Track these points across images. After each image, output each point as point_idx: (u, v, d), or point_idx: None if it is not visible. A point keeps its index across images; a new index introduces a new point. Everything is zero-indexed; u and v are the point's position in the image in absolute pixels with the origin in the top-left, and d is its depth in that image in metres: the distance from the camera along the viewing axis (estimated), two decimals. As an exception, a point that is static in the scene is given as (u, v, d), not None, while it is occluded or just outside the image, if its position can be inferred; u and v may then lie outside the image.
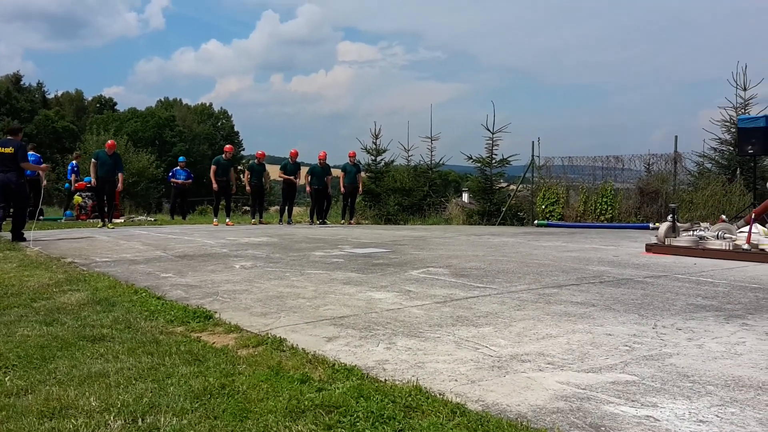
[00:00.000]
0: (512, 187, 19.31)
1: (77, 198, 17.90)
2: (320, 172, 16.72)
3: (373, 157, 20.85)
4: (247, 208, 22.28)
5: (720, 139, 15.89)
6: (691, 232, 8.56)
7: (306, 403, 2.45)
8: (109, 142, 15.15)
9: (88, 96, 74.93)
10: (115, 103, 75.28)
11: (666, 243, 8.35)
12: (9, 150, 9.89)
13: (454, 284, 5.50)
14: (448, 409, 2.38)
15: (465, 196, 23.60)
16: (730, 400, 2.49)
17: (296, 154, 16.96)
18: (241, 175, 16.58)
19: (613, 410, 2.38)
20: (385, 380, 2.76)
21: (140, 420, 2.32)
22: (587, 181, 17.38)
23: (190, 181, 19.49)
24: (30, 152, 14.84)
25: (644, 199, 15.78)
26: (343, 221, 17.53)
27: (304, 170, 17.07)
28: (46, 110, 61.03)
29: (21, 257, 7.68)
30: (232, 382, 2.73)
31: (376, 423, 2.26)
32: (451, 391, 2.61)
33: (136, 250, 8.72)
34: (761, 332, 3.67)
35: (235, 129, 76.18)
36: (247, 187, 16.67)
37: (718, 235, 8.35)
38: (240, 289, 5.30)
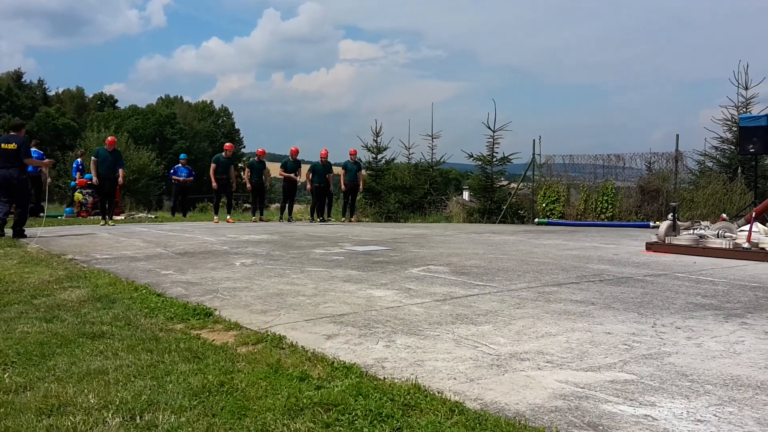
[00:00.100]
0: (513, 185, 19.30)
1: (78, 195, 17.90)
2: (321, 169, 16.72)
3: (374, 155, 20.89)
4: (248, 206, 22.30)
5: (721, 137, 15.89)
6: (691, 231, 8.55)
7: (305, 401, 2.46)
8: (109, 138, 15.14)
9: (89, 93, 75.08)
10: (116, 101, 75.40)
11: (666, 241, 8.35)
12: (12, 146, 9.91)
13: (454, 282, 5.50)
14: (446, 407, 2.38)
15: (465, 194, 23.60)
16: (729, 400, 2.49)
17: (296, 152, 16.96)
18: (242, 173, 16.57)
19: (611, 409, 2.39)
20: (384, 378, 2.76)
21: (138, 417, 2.33)
22: (588, 179, 17.37)
23: (192, 178, 19.50)
24: (33, 149, 14.86)
25: (645, 197, 15.77)
26: (343, 219, 17.54)
27: (304, 168, 17.07)
28: (46, 107, 61.07)
29: (21, 254, 7.69)
30: (231, 379, 2.73)
31: (375, 421, 2.27)
32: (450, 390, 2.61)
33: (136, 247, 8.73)
34: (760, 331, 3.67)
35: (236, 127, 76.34)
36: (248, 185, 16.67)
37: (718, 233, 8.34)
38: (240, 286, 5.31)
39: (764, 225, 8.23)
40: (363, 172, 18.50)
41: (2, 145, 9.89)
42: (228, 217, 16.15)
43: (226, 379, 2.73)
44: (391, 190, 19.77)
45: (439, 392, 2.57)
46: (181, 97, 77.43)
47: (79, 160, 18.93)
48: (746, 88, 15.43)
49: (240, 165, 42.71)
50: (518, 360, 3.07)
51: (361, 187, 17.76)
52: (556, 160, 17.92)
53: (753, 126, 11.26)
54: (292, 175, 16.64)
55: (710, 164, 16.26)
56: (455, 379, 2.78)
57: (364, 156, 20.54)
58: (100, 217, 14.45)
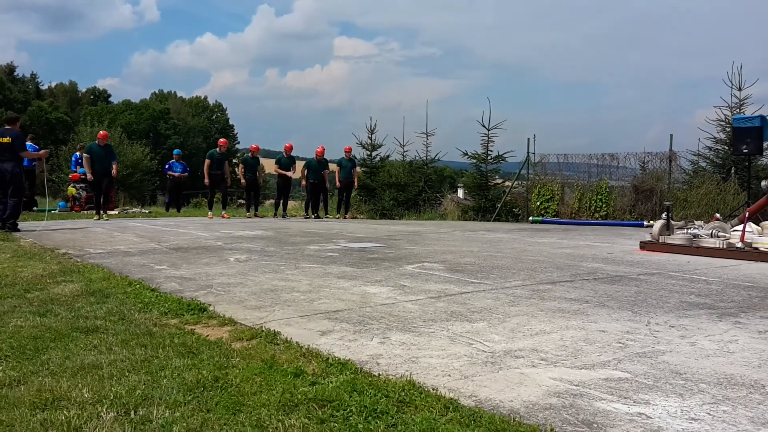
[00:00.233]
0: (507, 183, 19.34)
1: (71, 189, 17.82)
2: (316, 166, 16.71)
3: (369, 152, 20.88)
4: (242, 202, 22.25)
5: (715, 138, 15.97)
6: (685, 230, 8.58)
7: (299, 396, 2.45)
8: (101, 132, 15.04)
9: (82, 87, 74.68)
10: (109, 95, 75.07)
11: (660, 241, 8.38)
12: (6, 140, 9.88)
13: (449, 279, 5.51)
14: (441, 404, 2.38)
15: (460, 192, 23.64)
16: (722, 398, 2.50)
17: (291, 148, 16.93)
18: (236, 169, 16.51)
19: (605, 407, 2.39)
20: (379, 375, 2.76)
21: (133, 412, 2.32)
22: (582, 178, 17.42)
23: (186, 174, 19.45)
24: (28, 143, 14.79)
25: (639, 196, 15.83)
26: (338, 215, 17.53)
27: (299, 164, 17.04)
28: (39, 101, 60.73)
29: (15, 248, 7.65)
30: (225, 375, 2.73)
31: (369, 417, 2.26)
32: (445, 386, 2.61)
33: (130, 242, 8.70)
34: (754, 330, 3.69)
35: (230, 122, 76.04)
36: (242, 181, 16.65)
37: (712, 233, 8.37)
38: (234, 282, 5.30)
39: (757, 225, 8.26)
40: (358, 169, 18.49)
41: None
42: (222, 212, 16.11)
43: (220, 375, 2.72)
44: (386, 188, 19.77)
45: (433, 389, 2.57)
46: (174, 93, 77.06)
47: (78, 153, 18.85)
48: (740, 89, 15.53)
49: (234, 161, 42.57)
50: (513, 357, 3.07)
51: (356, 184, 17.75)
52: (550, 158, 17.98)
53: (746, 127, 11.29)
54: (287, 173, 16.62)
55: (704, 164, 16.34)
56: (450, 375, 2.78)
57: (359, 153, 20.55)
58: (94, 212, 14.39)
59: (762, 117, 11.37)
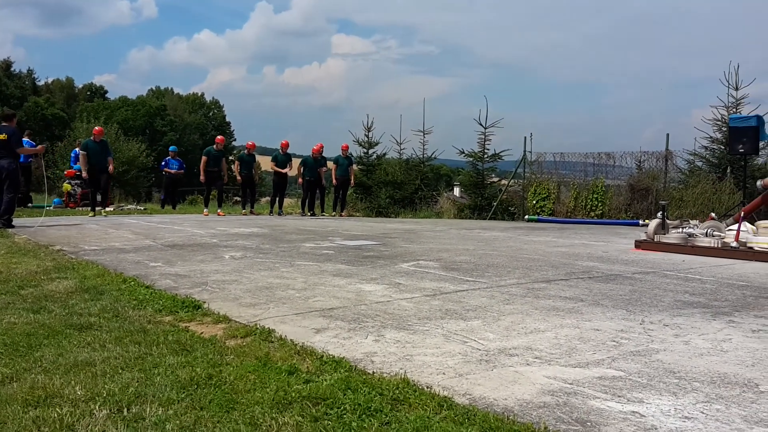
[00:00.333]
0: (504, 181, 19.36)
1: (66, 185, 17.77)
2: (312, 163, 16.70)
3: (365, 150, 20.85)
4: (238, 199, 22.23)
5: (711, 137, 15.99)
6: (680, 230, 8.60)
7: (293, 394, 2.45)
8: (96, 128, 15.02)
9: (79, 83, 74.50)
10: (106, 91, 74.87)
11: (655, 240, 8.39)
12: (2, 136, 9.88)
13: (444, 278, 5.51)
14: (435, 402, 2.38)
15: (456, 190, 23.61)
16: (716, 397, 2.51)
17: (287, 145, 16.92)
18: (232, 166, 16.49)
19: (599, 405, 2.39)
20: (373, 373, 2.76)
21: (126, 410, 2.31)
22: (578, 177, 17.45)
23: (183, 171, 19.42)
24: (25, 139, 14.79)
25: (635, 195, 15.86)
26: (334, 213, 17.52)
27: (295, 162, 17.03)
28: (36, 97, 60.51)
29: (9, 244, 7.62)
30: (219, 372, 2.72)
31: (363, 415, 2.26)
32: (439, 385, 2.61)
33: (125, 238, 8.68)
34: (747, 329, 3.69)
35: (227, 119, 75.96)
36: (238, 178, 16.63)
37: (707, 232, 8.39)
38: (229, 279, 5.29)
39: (752, 224, 8.28)
40: (354, 166, 18.48)
41: None
42: (218, 210, 16.09)
43: (214, 372, 2.72)
44: (382, 185, 19.76)
45: (428, 387, 2.57)
46: (171, 89, 77.02)
47: (77, 149, 18.80)
48: (736, 89, 15.55)
49: (230, 158, 42.51)
50: (507, 355, 3.07)
51: (352, 181, 17.75)
52: (546, 157, 18.00)
53: (743, 126, 11.32)
54: (283, 170, 16.61)
55: (700, 164, 16.38)
56: (444, 374, 2.78)
57: (355, 151, 20.51)
58: (89, 209, 14.35)
59: (758, 117, 11.41)
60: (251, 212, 16.65)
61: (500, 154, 18.82)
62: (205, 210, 16.11)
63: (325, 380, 2.61)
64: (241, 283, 5.11)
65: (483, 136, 18.59)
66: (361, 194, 20.04)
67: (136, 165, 30.36)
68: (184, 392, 2.49)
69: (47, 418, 2.22)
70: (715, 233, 8.33)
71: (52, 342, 3.21)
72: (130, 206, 19.43)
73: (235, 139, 71.27)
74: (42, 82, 69.40)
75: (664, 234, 8.48)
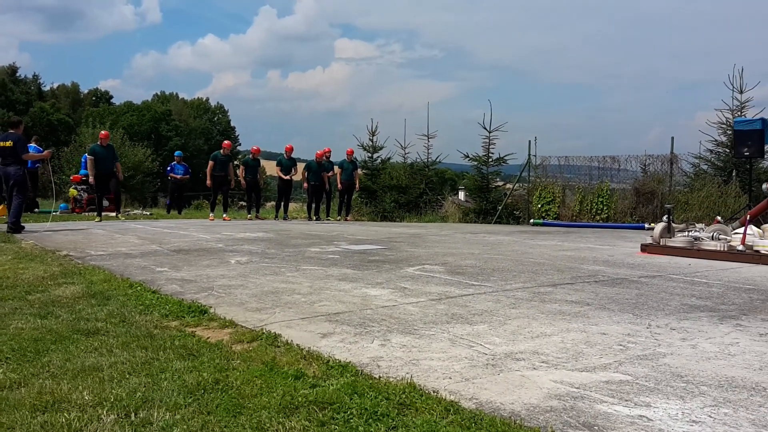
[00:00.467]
0: (508, 185, 19.34)
1: (72, 191, 17.83)
2: (317, 168, 16.73)
3: (370, 154, 20.88)
4: (244, 204, 22.26)
5: (716, 140, 15.97)
6: (686, 233, 8.58)
7: (300, 399, 2.45)
8: (102, 132, 15.08)
9: (84, 89, 74.94)
10: (111, 97, 75.24)
11: (661, 243, 8.37)
12: (8, 143, 9.99)
13: (450, 282, 5.51)
14: (441, 406, 2.38)
15: (461, 194, 23.61)
16: (723, 401, 2.50)
17: (291, 150, 16.96)
18: (236, 171, 16.53)
19: (606, 409, 2.39)
20: (380, 377, 2.76)
21: (133, 415, 2.32)
22: (583, 180, 17.43)
23: (188, 176, 19.46)
24: (33, 145, 14.88)
25: (640, 199, 15.82)
26: (339, 218, 17.53)
27: (300, 166, 17.05)
28: (41, 102, 60.85)
29: (16, 249, 7.66)
30: (226, 377, 2.73)
31: (370, 420, 2.26)
32: (445, 389, 2.61)
33: (131, 243, 8.70)
34: (755, 333, 3.68)
35: (232, 124, 76.17)
36: (242, 182, 16.66)
37: (713, 236, 8.37)
38: (235, 284, 5.30)
39: (758, 228, 8.25)
40: (359, 171, 18.51)
41: (0, 143, 10.00)
42: (224, 214, 16.11)
43: (221, 377, 2.72)
44: (387, 190, 19.77)
45: (434, 391, 2.57)
46: (176, 94, 77.31)
47: (87, 155, 18.87)
48: (741, 92, 15.53)
49: (235, 163, 42.62)
50: (513, 360, 3.07)
51: (357, 186, 17.76)
52: (551, 161, 17.98)
53: (748, 129, 11.31)
54: (285, 177, 16.62)
55: (705, 167, 16.33)
56: (450, 378, 2.78)
57: (360, 155, 20.56)
58: (96, 213, 14.39)
59: (763, 120, 11.40)
60: (256, 217, 16.67)
61: (505, 158, 18.81)
62: (210, 215, 16.13)
63: (332, 385, 2.61)
64: (247, 287, 5.12)
65: (487, 140, 18.59)
66: (366, 198, 20.05)
67: (141, 170, 30.50)
68: (191, 397, 2.49)
69: (55, 423, 2.23)
70: (721, 237, 8.31)
71: (60, 347, 3.22)
72: (135, 211, 19.48)
73: (239, 144, 71.37)
74: (47, 88, 69.90)
75: (670, 237, 8.46)
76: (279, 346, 3.25)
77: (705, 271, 6.50)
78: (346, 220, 17.24)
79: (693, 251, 7.98)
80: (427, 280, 5.57)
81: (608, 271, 6.36)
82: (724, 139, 15.72)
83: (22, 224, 10.20)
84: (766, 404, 2.47)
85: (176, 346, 3.22)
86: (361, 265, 6.58)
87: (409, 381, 2.67)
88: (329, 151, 17.29)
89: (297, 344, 3.27)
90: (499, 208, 18.10)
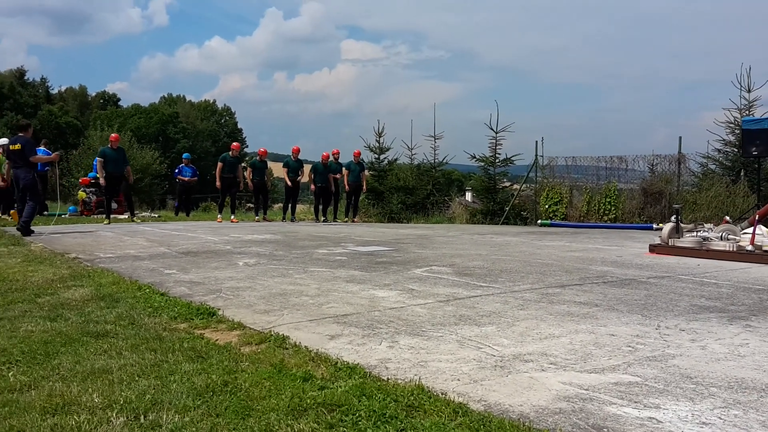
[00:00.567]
0: (515, 186, 19.28)
1: (81, 194, 17.91)
2: (323, 170, 16.75)
3: (377, 156, 20.88)
4: (251, 206, 22.31)
5: (724, 140, 15.87)
6: (694, 233, 8.54)
7: (308, 401, 2.46)
8: (112, 135, 15.18)
9: (92, 92, 75.30)
10: (119, 99, 75.61)
11: (669, 244, 8.33)
12: (17, 147, 10.07)
13: (457, 283, 5.50)
14: (450, 408, 2.38)
15: (468, 195, 23.59)
16: (733, 402, 2.49)
17: (298, 151, 16.97)
18: (244, 173, 16.56)
19: (615, 411, 2.38)
20: (388, 379, 2.76)
21: (142, 417, 2.33)
22: (591, 181, 17.34)
23: (196, 178, 19.53)
24: (42, 148, 14.98)
25: (648, 199, 15.75)
26: (346, 219, 17.54)
27: (307, 168, 17.07)
28: (49, 105, 61.15)
29: (25, 252, 7.70)
30: (234, 379, 2.73)
31: (378, 422, 2.27)
32: (454, 391, 2.61)
33: (139, 246, 8.74)
34: (765, 334, 3.66)
35: (239, 126, 76.33)
36: (250, 184, 16.70)
37: (721, 236, 8.33)
38: (243, 286, 5.31)
39: (767, 228, 8.20)
40: (366, 172, 18.50)
41: (10, 147, 10.13)
42: (231, 216, 16.15)
43: (229, 379, 2.73)
44: (394, 191, 19.78)
45: (442, 393, 2.57)
46: (183, 96, 77.53)
47: (98, 158, 18.95)
48: (749, 91, 15.43)
49: (243, 164, 42.74)
50: (522, 361, 3.06)
51: (364, 187, 17.77)
52: (558, 161, 17.91)
53: (756, 129, 11.25)
54: (290, 182, 16.63)
55: (713, 167, 16.24)
56: (459, 380, 2.78)
57: (367, 156, 20.55)
58: (104, 216, 14.46)
59: (772, 119, 11.32)
60: (264, 219, 16.70)
61: (512, 158, 18.76)
62: (218, 216, 16.17)
63: (340, 387, 2.61)
64: (255, 289, 5.13)
65: (494, 141, 18.54)
66: (373, 200, 20.06)
67: (149, 172, 30.58)
68: (200, 399, 2.50)
69: (65, 426, 2.25)
70: (730, 237, 8.27)
71: (69, 350, 3.24)
72: (144, 213, 19.55)
73: (247, 146, 71.58)
74: (55, 91, 70.30)
75: (679, 238, 8.42)
76: (287, 348, 3.25)
77: (714, 272, 6.46)
78: (353, 221, 17.25)
79: (702, 251, 7.94)
80: (434, 282, 5.57)
81: (617, 272, 6.34)
82: (732, 138, 15.63)
83: (32, 228, 10.23)
84: (777, 406, 2.45)
85: (185, 349, 3.23)
86: (369, 267, 6.58)
87: (417, 383, 2.67)
88: (338, 153, 17.31)
89: (305, 346, 3.28)
90: (507, 208, 18.06)
